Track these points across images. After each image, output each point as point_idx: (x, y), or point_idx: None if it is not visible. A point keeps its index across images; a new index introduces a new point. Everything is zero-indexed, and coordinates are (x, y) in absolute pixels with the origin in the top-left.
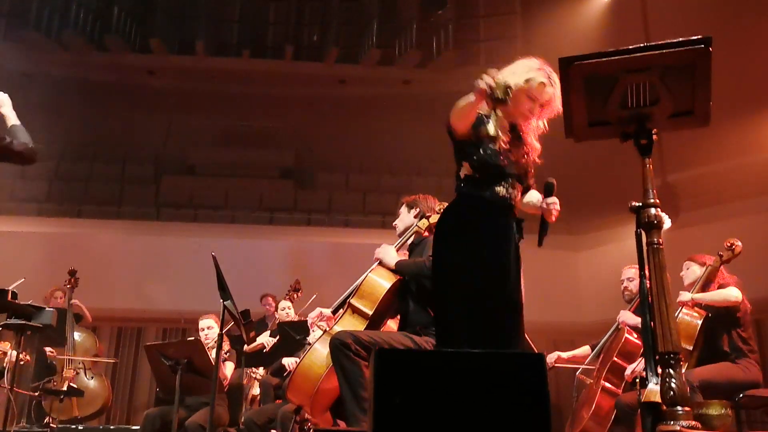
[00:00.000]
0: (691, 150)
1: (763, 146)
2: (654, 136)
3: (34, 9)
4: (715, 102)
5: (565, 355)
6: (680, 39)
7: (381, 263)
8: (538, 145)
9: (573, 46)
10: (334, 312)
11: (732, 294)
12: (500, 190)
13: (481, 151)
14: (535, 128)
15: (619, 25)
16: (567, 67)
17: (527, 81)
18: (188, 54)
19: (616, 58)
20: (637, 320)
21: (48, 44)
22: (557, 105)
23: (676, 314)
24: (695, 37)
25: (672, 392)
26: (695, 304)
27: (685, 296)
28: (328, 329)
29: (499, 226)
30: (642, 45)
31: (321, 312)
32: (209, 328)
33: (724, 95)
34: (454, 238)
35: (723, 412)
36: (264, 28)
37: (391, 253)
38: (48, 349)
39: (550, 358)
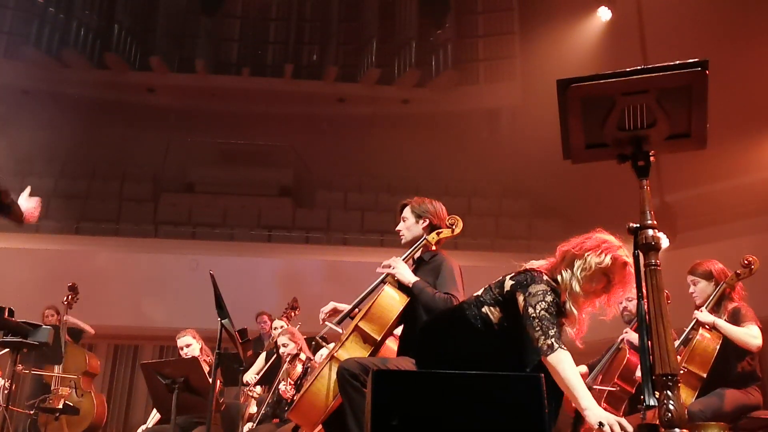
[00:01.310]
0: (689, 170)
1: (761, 166)
2: (651, 158)
3: (34, 27)
4: (712, 123)
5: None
6: (677, 62)
7: (393, 278)
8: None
9: (571, 66)
10: (339, 323)
11: (754, 342)
12: None
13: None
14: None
15: (617, 45)
16: (564, 89)
17: (613, 258)
18: (188, 72)
19: (614, 80)
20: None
21: (48, 62)
22: (630, 288)
23: (693, 335)
24: (692, 60)
25: (669, 414)
26: (712, 327)
27: (705, 317)
28: (333, 352)
29: None
30: (639, 67)
31: (335, 306)
32: (187, 346)
33: (721, 116)
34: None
35: None
36: (264, 46)
37: (407, 271)
38: (19, 366)
39: None
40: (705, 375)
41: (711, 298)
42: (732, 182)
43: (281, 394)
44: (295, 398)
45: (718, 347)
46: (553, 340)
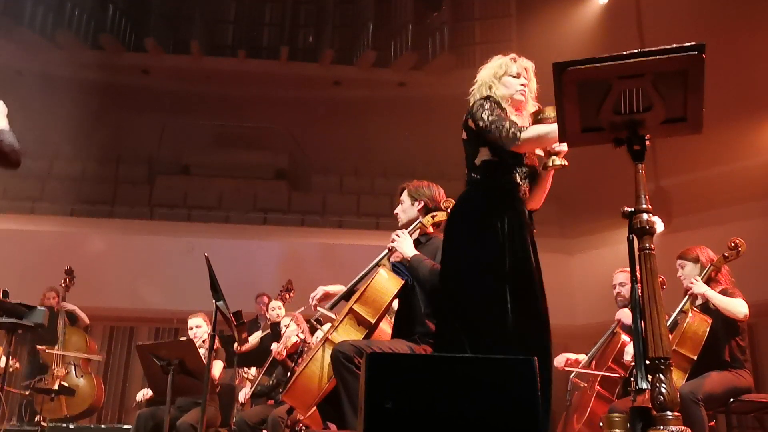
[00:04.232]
0: (684, 155)
1: (756, 151)
2: (647, 142)
3: (28, 7)
4: (708, 107)
5: (573, 356)
6: (673, 45)
7: (388, 259)
8: None
9: (568, 50)
10: (332, 308)
11: (742, 310)
12: (516, 177)
13: None
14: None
15: (614, 29)
16: (560, 73)
17: (501, 66)
18: (183, 54)
19: (610, 63)
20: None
21: (42, 43)
22: (533, 83)
23: (683, 318)
24: (688, 44)
25: (662, 397)
26: (704, 302)
27: (698, 287)
28: (327, 334)
29: (518, 215)
30: (635, 51)
31: (326, 291)
32: (197, 327)
33: (717, 100)
34: (471, 234)
35: None
36: (259, 28)
37: (409, 244)
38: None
39: (558, 361)
40: (695, 357)
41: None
42: (727, 167)
43: (274, 354)
44: (285, 357)
45: (708, 330)
46: (512, 130)
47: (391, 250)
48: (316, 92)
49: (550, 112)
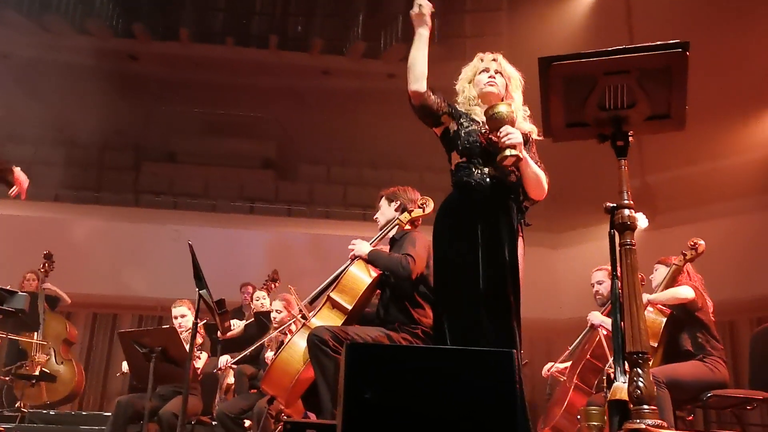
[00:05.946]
0: (670, 152)
1: (742, 148)
2: (630, 138)
3: None
4: (695, 104)
5: (561, 366)
6: (658, 42)
7: (356, 256)
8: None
9: (558, 45)
10: (311, 302)
11: (680, 292)
12: (490, 170)
13: (463, 134)
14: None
15: (604, 24)
16: (546, 67)
17: (471, 68)
18: (172, 40)
19: (595, 59)
20: (602, 319)
21: (29, 26)
22: (507, 69)
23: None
24: (673, 41)
25: (639, 391)
26: (655, 305)
27: (644, 298)
28: (306, 322)
29: (485, 214)
30: (620, 47)
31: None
32: (182, 316)
33: (704, 97)
34: (444, 232)
35: None
36: (249, 16)
37: (365, 245)
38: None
39: (545, 369)
40: (655, 345)
41: (663, 280)
42: (713, 164)
43: (266, 362)
44: None
45: (665, 319)
46: None
47: (353, 258)
48: (305, 81)
49: (503, 107)
